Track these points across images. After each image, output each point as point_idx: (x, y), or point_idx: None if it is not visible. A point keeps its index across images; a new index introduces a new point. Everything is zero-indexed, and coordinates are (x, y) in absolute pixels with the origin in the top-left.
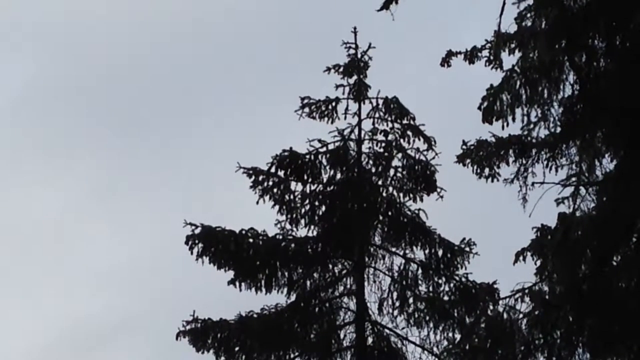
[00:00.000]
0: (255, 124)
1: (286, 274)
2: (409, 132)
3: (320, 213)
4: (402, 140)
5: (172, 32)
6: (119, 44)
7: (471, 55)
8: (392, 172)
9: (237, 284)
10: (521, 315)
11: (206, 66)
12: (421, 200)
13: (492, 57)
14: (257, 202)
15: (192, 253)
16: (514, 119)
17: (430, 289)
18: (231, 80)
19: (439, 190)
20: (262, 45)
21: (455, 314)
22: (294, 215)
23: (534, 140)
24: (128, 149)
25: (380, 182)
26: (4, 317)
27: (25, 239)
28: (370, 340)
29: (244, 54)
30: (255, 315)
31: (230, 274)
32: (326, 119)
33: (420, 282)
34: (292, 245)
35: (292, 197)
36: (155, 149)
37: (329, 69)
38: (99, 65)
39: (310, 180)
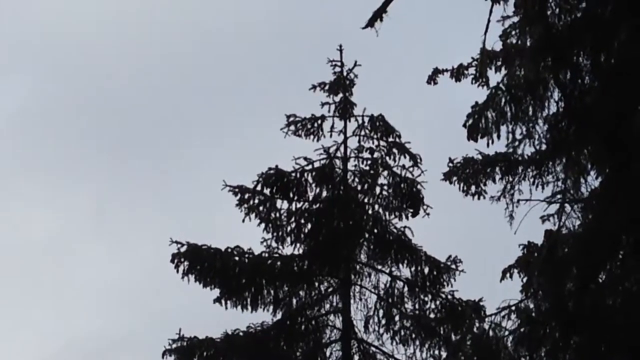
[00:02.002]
0: (241, 142)
1: (272, 291)
2: (394, 150)
3: (306, 231)
4: (387, 158)
5: (163, 54)
6: (113, 66)
7: (457, 73)
8: (377, 189)
9: (223, 302)
10: (507, 333)
11: (195, 85)
12: (407, 218)
13: (477, 75)
14: (243, 220)
15: (177, 271)
16: (499, 137)
17: (416, 306)
18: (217, 99)
19: (425, 207)
20: (247, 63)
21: (442, 332)
22: (280, 233)
23: (519, 158)
24: (122, 169)
25: (366, 200)
26: (2, 336)
27: (21, 259)
28: (356, 358)
29: (230, 73)
30: (241, 334)
31: (216, 292)
32: (312, 136)
33: (406, 299)
34: (278, 263)
35: (278, 215)
36: (150, 169)
37: (314, 87)
38: (93, 88)
39: (296, 198)
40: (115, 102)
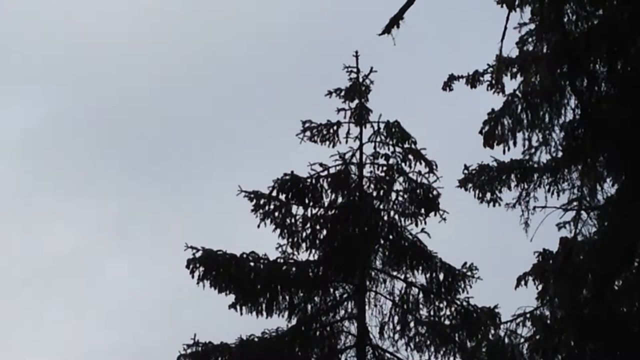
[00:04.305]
0: (257, 148)
1: (287, 297)
2: (410, 156)
3: (322, 237)
4: (403, 164)
5: (180, 64)
6: (131, 80)
7: (473, 80)
8: (393, 196)
9: (238, 307)
10: (522, 340)
11: (211, 93)
12: (423, 223)
13: (493, 82)
14: (258, 226)
15: (193, 277)
16: (515, 144)
17: (432, 313)
18: (234, 106)
19: (441, 212)
20: (264, 68)
21: (457, 338)
22: (295, 239)
23: (535, 165)
24: (144, 183)
25: (381, 206)
26: (22, 349)
27: (42, 272)
28: None
29: (245, 79)
30: (256, 339)
31: (232, 297)
32: (327, 142)
33: (421, 306)
34: (293, 269)
35: (293, 220)
36: (170, 183)
37: (330, 93)
38: (113, 102)
39: (311, 204)
40: (134, 116)
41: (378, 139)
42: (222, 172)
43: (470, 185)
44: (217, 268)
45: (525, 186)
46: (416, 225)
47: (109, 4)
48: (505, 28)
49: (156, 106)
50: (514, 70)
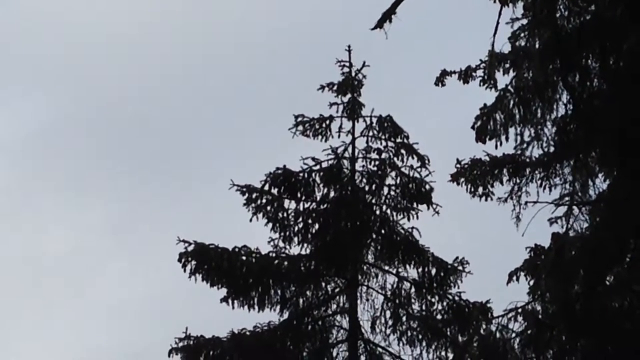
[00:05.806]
0: (250, 142)
1: (279, 291)
2: (402, 151)
3: (314, 231)
4: (395, 159)
5: (171, 59)
6: (132, 83)
7: (465, 75)
8: (385, 190)
9: (230, 301)
10: (514, 335)
11: (204, 87)
12: (416, 217)
13: (486, 77)
14: (251, 220)
15: (184, 270)
16: (507, 139)
17: (423, 307)
18: (226, 99)
19: (433, 207)
20: (256, 64)
21: (448, 333)
22: (287, 233)
23: (527, 160)
24: (143, 183)
25: (373, 201)
26: (20, 350)
27: (41, 273)
28: (363, 359)
29: (238, 73)
30: (247, 333)
31: (223, 291)
32: (320, 137)
33: (413, 300)
34: (285, 263)
35: (285, 215)
36: (171, 183)
37: (322, 87)
38: (114, 103)
39: (303, 198)
40: (134, 116)
41: (370, 134)
42: (216, 166)
43: (462, 179)
44: (209, 262)
45: (517, 181)
46: (408, 219)
47: (109, 4)
48: (498, 23)
49: (155, 106)
50: (507, 65)
